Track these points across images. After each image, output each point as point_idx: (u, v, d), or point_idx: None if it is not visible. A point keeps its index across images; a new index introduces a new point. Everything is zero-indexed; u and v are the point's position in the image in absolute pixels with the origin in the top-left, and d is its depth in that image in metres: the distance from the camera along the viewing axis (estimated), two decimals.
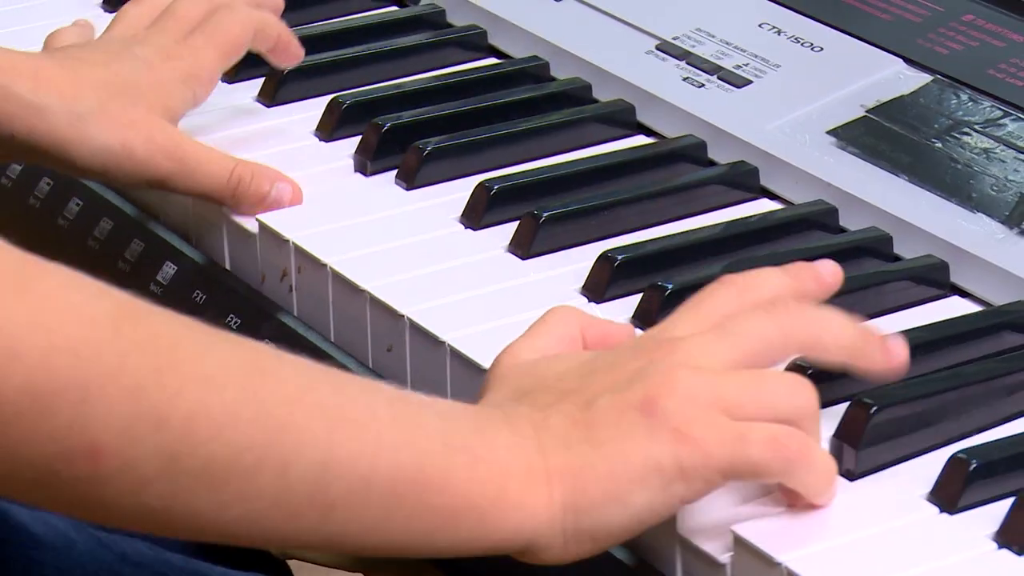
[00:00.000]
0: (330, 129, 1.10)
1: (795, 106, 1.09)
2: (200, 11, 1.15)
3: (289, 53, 1.21)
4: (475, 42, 1.18)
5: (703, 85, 1.11)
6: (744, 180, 1.07)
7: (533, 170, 1.07)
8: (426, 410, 0.85)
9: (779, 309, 0.89)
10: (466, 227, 1.03)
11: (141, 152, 1.08)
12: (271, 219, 1.04)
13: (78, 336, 0.75)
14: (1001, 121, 1.05)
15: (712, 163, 1.08)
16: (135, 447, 0.75)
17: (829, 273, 0.92)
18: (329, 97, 1.11)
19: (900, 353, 0.88)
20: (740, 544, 0.79)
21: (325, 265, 1.00)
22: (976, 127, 1.05)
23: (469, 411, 0.86)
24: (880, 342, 0.89)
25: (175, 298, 1.07)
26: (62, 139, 1.09)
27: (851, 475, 0.86)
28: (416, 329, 0.96)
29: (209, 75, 1.14)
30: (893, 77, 1.09)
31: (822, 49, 1.12)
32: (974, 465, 0.82)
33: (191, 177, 1.09)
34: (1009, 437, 0.87)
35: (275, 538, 0.84)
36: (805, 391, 0.86)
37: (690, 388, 0.83)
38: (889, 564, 0.80)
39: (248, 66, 1.16)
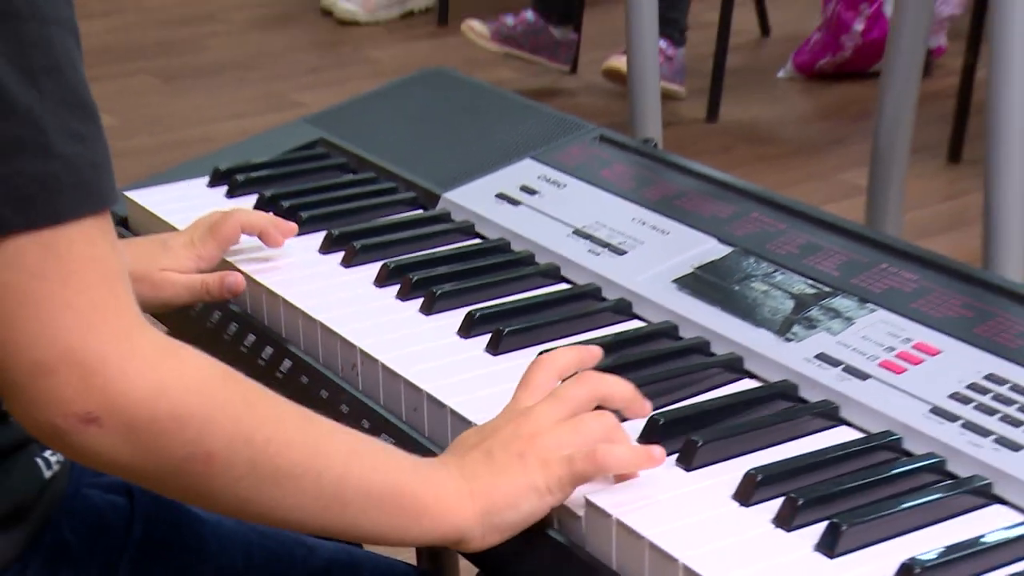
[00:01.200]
0: (383, 280, 1.12)
1: (653, 266, 1.10)
2: (215, 218, 1.15)
3: (271, 237, 1.17)
4: (466, 230, 1.20)
5: (599, 254, 1.12)
6: (624, 309, 1.08)
7: (501, 303, 1.08)
8: (404, 457, 0.86)
9: (587, 379, 0.91)
10: (461, 337, 1.04)
11: (148, 293, 1.08)
12: (344, 331, 1.05)
13: (203, 386, 0.77)
14: (774, 274, 1.07)
15: (604, 299, 1.09)
16: (233, 456, 0.77)
17: (596, 349, 0.95)
18: (382, 263, 1.12)
19: (647, 408, 0.91)
20: (588, 504, 0.82)
21: (377, 360, 1.01)
22: (759, 278, 1.07)
23: (427, 460, 0.88)
24: (641, 402, 0.91)
25: (293, 382, 1.09)
26: None
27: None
28: (431, 399, 0.97)
29: (210, 255, 1.14)
30: (711, 249, 1.11)
31: (668, 233, 1.13)
32: (760, 477, 0.83)
33: (181, 296, 1.11)
34: (784, 459, 0.87)
35: (314, 525, 0.85)
36: (606, 418, 0.88)
37: (544, 442, 0.85)
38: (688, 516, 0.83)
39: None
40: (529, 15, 3.36)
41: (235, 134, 3.09)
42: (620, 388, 0.90)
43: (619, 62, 3.13)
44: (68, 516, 0.87)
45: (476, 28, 3.37)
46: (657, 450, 0.85)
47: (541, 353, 0.99)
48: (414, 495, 0.83)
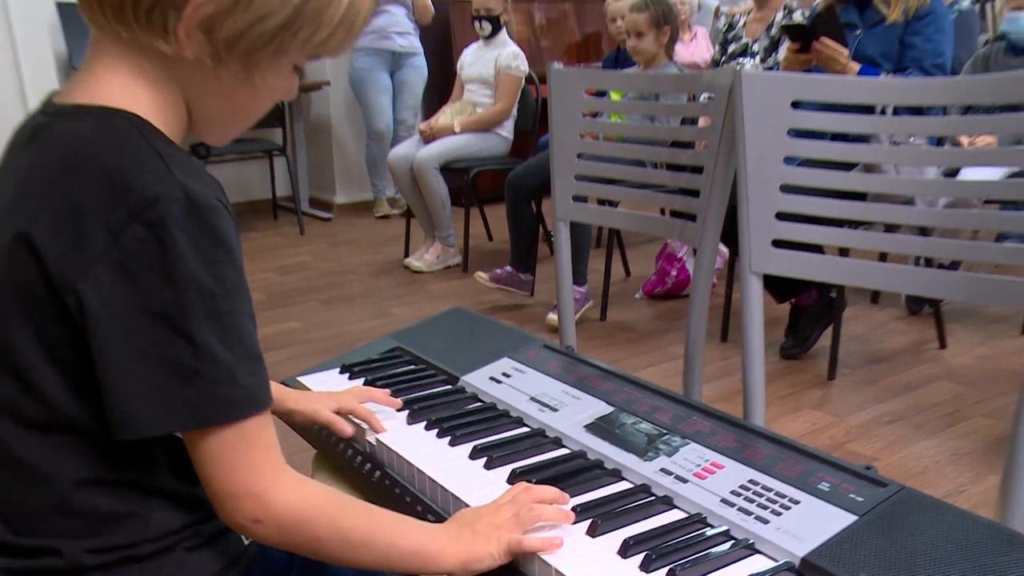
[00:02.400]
0: (429, 427, 1.06)
1: (572, 418, 1.05)
2: (352, 388, 1.11)
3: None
4: (474, 398, 1.13)
5: (544, 411, 1.08)
6: (557, 442, 1.03)
7: (491, 440, 1.03)
8: (424, 527, 0.82)
9: (531, 489, 0.85)
10: (470, 459, 0.99)
11: (295, 417, 1.05)
12: (408, 456, 0.98)
13: (314, 502, 0.74)
14: (637, 423, 1.03)
15: (547, 437, 1.04)
16: (330, 539, 0.74)
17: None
18: (428, 418, 1.06)
19: (566, 498, 0.87)
20: (539, 558, 0.78)
21: (425, 473, 0.96)
22: (629, 425, 1.03)
23: (437, 527, 0.82)
24: (562, 495, 0.86)
25: (384, 487, 1.01)
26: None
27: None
28: (456, 498, 0.91)
29: (347, 407, 1.07)
30: (603, 408, 1.06)
31: (580, 399, 1.09)
32: (632, 541, 0.79)
33: (309, 420, 1.05)
34: (645, 531, 0.83)
35: (373, 567, 0.78)
36: (535, 512, 0.83)
37: (502, 530, 0.81)
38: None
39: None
40: (509, 268, 3.38)
41: (359, 331, 3.08)
42: (549, 491, 0.86)
43: (553, 319, 3.11)
44: (259, 565, 0.82)
45: (482, 275, 3.38)
46: (559, 539, 0.81)
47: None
48: (428, 552, 0.79)
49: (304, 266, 4.03)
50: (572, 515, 0.84)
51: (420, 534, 0.80)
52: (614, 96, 3.29)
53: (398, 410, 1.11)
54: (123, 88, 0.69)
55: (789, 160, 1.23)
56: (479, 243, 4.24)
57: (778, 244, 1.26)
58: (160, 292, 0.65)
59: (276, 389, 1.04)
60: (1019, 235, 2.74)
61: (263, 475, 0.70)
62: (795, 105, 1.18)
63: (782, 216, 1.24)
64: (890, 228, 2.15)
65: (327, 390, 1.13)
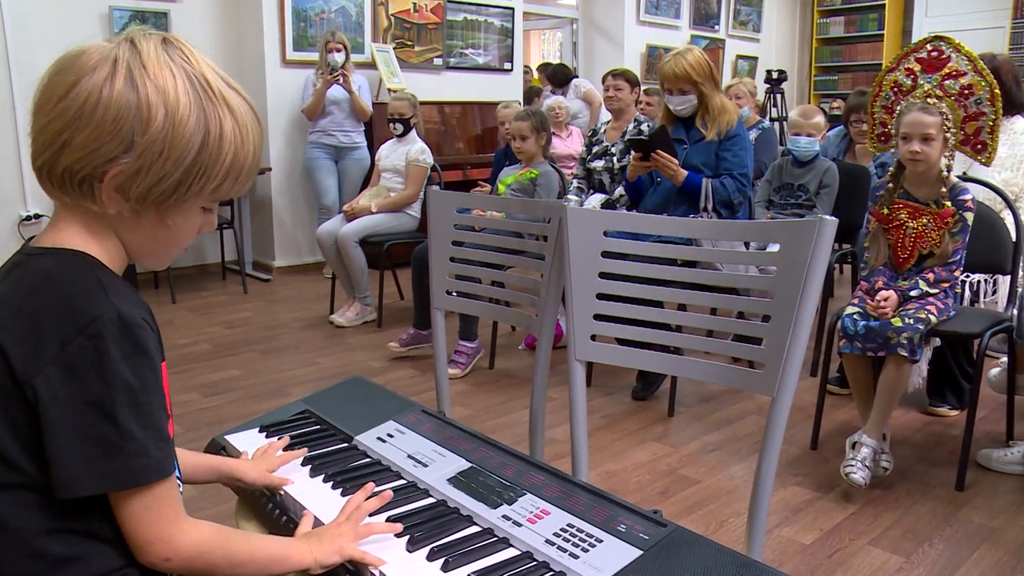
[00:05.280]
0: (326, 479, 1.06)
1: (439, 472, 1.06)
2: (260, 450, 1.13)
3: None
4: (365, 454, 1.11)
5: (416, 466, 1.07)
6: (425, 492, 1.04)
7: (377, 488, 1.02)
8: (286, 541, 0.87)
9: (361, 508, 0.93)
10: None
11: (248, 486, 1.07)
12: (303, 501, 0.97)
13: (207, 540, 0.79)
14: (489, 476, 1.04)
15: (418, 488, 1.04)
16: (223, 564, 0.79)
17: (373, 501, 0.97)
18: (326, 472, 1.07)
19: (390, 526, 0.93)
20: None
21: (308, 511, 0.97)
22: (481, 480, 1.04)
23: (297, 538, 0.89)
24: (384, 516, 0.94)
25: (278, 518, 0.99)
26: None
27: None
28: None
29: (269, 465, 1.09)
30: (463, 464, 1.08)
31: (445, 457, 1.09)
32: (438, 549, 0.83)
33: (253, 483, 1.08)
34: (488, 566, 0.87)
35: (258, 574, 0.83)
36: (362, 530, 0.90)
37: (339, 541, 0.88)
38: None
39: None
40: (411, 331, 3.36)
41: (289, 378, 3.03)
42: (372, 503, 0.95)
43: (451, 372, 3.12)
44: None
45: (393, 345, 3.34)
46: (378, 560, 0.88)
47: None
48: (291, 555, 0.85)
49: (246, 321, 3.95)
50: (398, 527, 0.91)
51: (283, 544, 0.86)
52: (501, 190, 3.41)
53: (303, 465, 1.11)
54: (75, 235, 0.78)
55: (603, 275, 1.27)
56: (392, 301, 4.25)
57: (595, 338, 1.30)
58: (95, 387, 0.71)
59: (227, 465, 1.06)
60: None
61: (168, 524, 0.76)
62: (606, 233, 1.24)
63: (598, 317, 1.29)
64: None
65: (258, 453, 1.12)
